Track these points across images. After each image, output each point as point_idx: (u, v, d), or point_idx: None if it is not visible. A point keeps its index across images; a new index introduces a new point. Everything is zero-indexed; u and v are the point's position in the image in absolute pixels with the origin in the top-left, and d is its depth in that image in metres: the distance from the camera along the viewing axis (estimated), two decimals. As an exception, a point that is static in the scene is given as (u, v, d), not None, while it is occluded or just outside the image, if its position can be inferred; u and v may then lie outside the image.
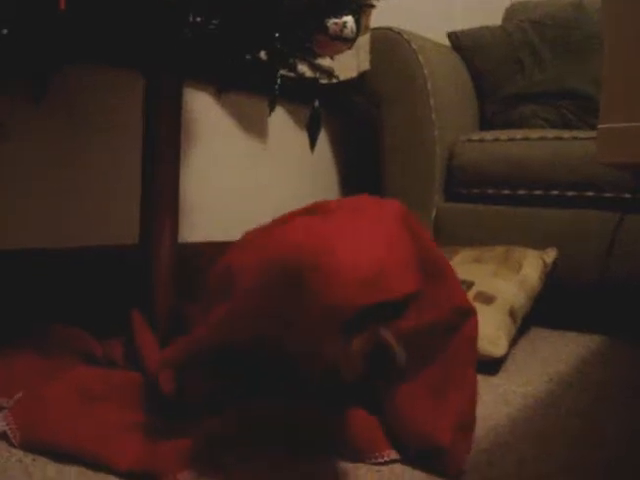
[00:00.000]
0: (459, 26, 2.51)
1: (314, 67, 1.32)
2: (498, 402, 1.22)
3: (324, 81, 2.10)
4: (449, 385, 0.97)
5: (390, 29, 2.20)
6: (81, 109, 1.53)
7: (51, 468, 0.85)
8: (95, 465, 0.85)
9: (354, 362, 0.81)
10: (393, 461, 0.93)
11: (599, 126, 0.61)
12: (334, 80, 1.38)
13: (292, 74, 1.43)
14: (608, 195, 1.83)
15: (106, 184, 1.60)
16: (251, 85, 1.92)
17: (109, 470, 0.84)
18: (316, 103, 1.29)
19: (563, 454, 0.99)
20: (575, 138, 1.92)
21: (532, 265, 1.76)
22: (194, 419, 0.92)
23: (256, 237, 0.97)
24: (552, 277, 1.83)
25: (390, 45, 2.19)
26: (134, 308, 1.23)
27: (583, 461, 0.96)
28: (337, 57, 2.13)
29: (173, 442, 0.86)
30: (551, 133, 2.01)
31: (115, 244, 1.58)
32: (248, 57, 1.45)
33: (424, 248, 0.95)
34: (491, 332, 1.45)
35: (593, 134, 1.87)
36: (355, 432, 0.96)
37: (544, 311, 1.82)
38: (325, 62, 2.05)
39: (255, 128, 2.03)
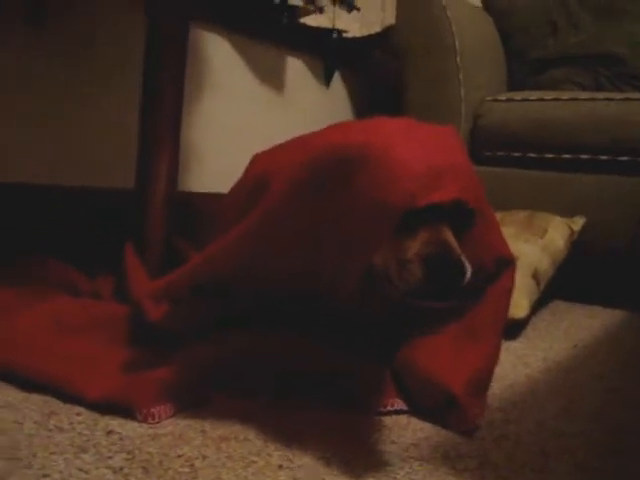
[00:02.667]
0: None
1: (334, -4, 1.21)
2: (517, 364, 1.12)
3: (348, 35, 2.01)
4: (472, 337, 0.87)
5: (419, -18, 2.08)
6: (83, 42, 1.44)
7: (15, 395, 0.76)
8: (64, 396, 0.76)
9: (412, 267, 0.69)
10: (398, 412, 0.83)
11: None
12: (354, 10, 1.26)
13: (311, 7, 1.33)
14: (643, 160, 1.71)
15: (108, 123, 1.51)
16: (269, 33, 1.83)
17: (78, 401, 0.75)
18: (334, 34, 1.18)
19: (585, 416, 0.88)
20: (609, 99, 1.80)
21: (558, 231, 1.64)
22: (182, 351, 0.82)
23: (294, 144, 0.86)
24: (578, 246, 1.72)
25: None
26: (128, 241, 1.14)
27: (606, 425, 0.86)
28: (362, 11, 2.03)
29: (153, 373, 0.77)
30: (583, 94, 1.88)
31: (114, 187, 1.49)
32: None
33: (478, 182, 0.84)
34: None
35: (630, 95, 1.77)
36: (360, 379, 0.86)
37: (568, 283, 1.71)
38: (350, 15, 1.96)
39: (271, 77, 1.93)
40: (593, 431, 0.82)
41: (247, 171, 0.95)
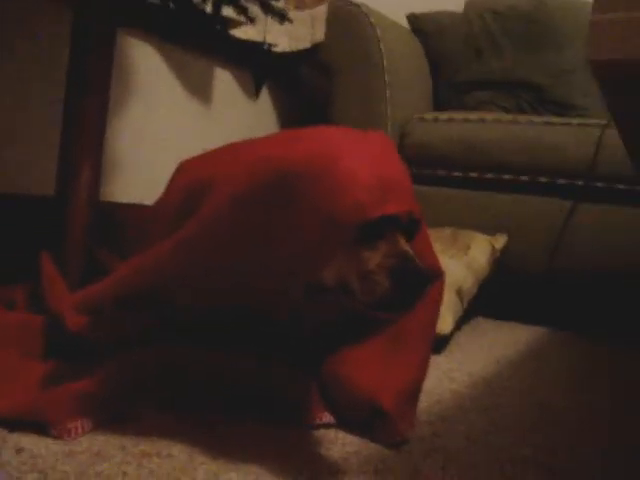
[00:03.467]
0: (419, 10, 2.43)
1: (265, 6, 1.19)
2: (442, 379, 1.12)
3: (277, 50, 2.00)
4: (402, 348, 0.86)
5: (349, 1, 2.10)
6: (5, 46, 1.37)
7: None
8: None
9: (377, 279, 0.70)
10: (327, 425, 0.81)
11: (592, 18, 0.51)
12: (286, 22, 1.26)
13: (243, 18, 1.31)
14: (561, 182, 1.76)
15: (28, 128, 1.44)
16: (198, 43, 1.81)
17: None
18: (265, 46, 1.17)
19: (513, 429, 0.89)
20: (531, 122, 1.86)
21: (480, 248, 1.68)
22: (102, 364, 0.77)
23: (229, 152, 0.84)
24: (500, 264, 1.76)
25: (348, 17, 2.09)
26: (44, 251, 1.08)
27: (533, 439, 0.86)
28: (291, 26, 2.03)
29: (70, 386, 0.72)
30: (507, 117, 1.94)
31: (32, 194, 1.42)
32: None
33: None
34: (437, 309, 1.36)
35: (550, 119, 1.84)
36: (288, 391, 0.83)
37: (490, 300, 1.74)
38: (279, 29, 1.95)
39: (200, 88, 1.90)
40: (521, 445, 0.82)
41: (175, 179, 0.92)
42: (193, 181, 0.82)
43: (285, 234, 0.70)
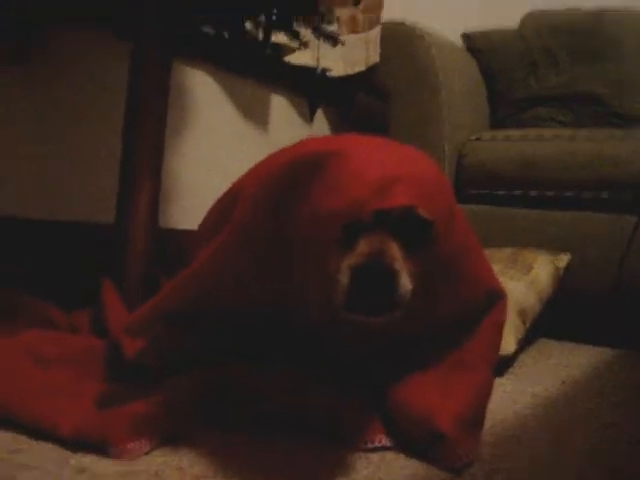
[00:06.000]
0: (473, 27, 2.42)
1: (318, 31, 1.21)
2: (505, 400, 1.09)
3: (333, 74, 2.02)
4: (462, 371, 0.84)
5: (402, 23, 2.10)
6: (64, 77, 1.43)
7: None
8: (34, 431, 0.73)
9: (338, 278, 0.66)
10: (385, 448, 0.80)
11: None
12: (338, 44, 1.27)
13: (295, 43, 1.33)
14: (626, 197, 1.71)
15: (89, 158, 1.49)
16: (253, 70, 1.84)
17: (50, 436, 0.72)
18: (318, 70, 1.18)
19: (577, 452, 0.86)
20: (591, 136, 1.81)
21: (543, 267, 1.63)
22: (159, 385, 0.79)
23: (261, 162, 0.87)
24: (564, 284, 1.71)
25: (402, 39, 2.10)
26: (105, 277, 1.11)
27: (599, 460, 0.83)
28: (346, 50, 2.05)
29: (128, 407, 0.74)
30: (565, 132, 1.90)
31: (94, 221, 1.46)
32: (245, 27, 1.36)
33: (451, 201, 0.81)
34: (498, 330, 1.33)
35: (611, 133, 1.79)
36: (345, 415, 0.82)
37: (554, 321, 1.69)
38: (334, 54, 1.97)
39: (256, 114, 1.93)
40: (586, 466, 0.79)
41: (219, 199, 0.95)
42: (228, 194, 0.84)
43: (299, 228, 0.70)
